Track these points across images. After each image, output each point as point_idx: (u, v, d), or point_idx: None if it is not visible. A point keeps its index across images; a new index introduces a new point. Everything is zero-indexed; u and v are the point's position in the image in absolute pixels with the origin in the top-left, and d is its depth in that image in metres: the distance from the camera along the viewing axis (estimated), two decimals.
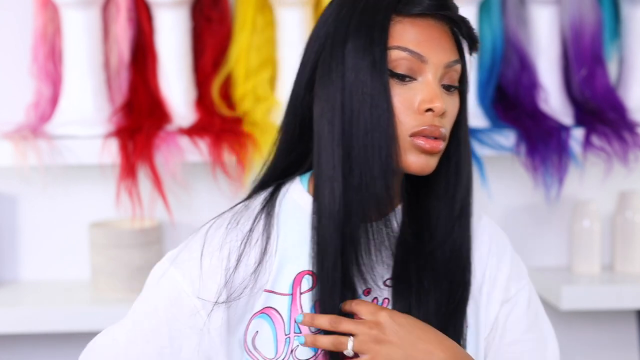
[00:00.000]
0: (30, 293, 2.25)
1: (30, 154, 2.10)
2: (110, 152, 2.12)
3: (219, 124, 2.17)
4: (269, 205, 1.35)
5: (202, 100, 2.24)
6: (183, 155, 2.13)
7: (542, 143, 2.19)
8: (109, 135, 2.14)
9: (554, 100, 2.28)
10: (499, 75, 2.28)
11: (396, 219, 1.33)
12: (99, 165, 2.17)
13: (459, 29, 1.32)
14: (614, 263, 2.36)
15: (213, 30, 2.25)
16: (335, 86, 1.27)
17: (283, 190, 1.37)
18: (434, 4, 1.28)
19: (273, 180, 1.39)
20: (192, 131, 2.16)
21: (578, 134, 2.23)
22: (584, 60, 2.28)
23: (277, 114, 2.22)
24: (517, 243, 2.33)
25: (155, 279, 1.37)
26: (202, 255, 1.33)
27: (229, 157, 2.14)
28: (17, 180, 2.29)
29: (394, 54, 1.26)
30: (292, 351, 1.31)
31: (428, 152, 1.27)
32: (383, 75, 1.24)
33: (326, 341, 1.27)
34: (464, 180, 1.33)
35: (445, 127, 1.28)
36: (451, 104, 1.29)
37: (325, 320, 1.27)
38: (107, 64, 2.22)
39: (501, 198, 2.35)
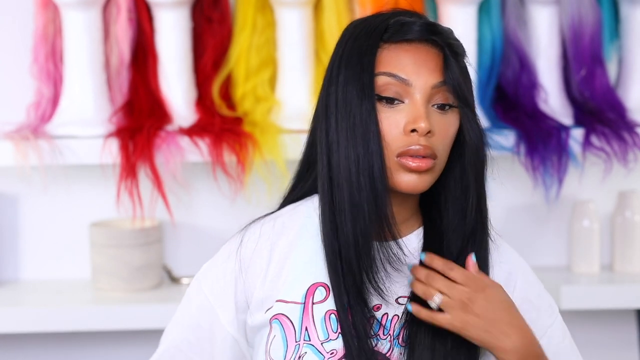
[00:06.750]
0: (30, 293, 2.26)
1: (31, 154, 2.11)
2: (111, 152, 2.12)
3: (219, 124, 2.17)
4: (288, 218, 1.42)
5: (203, 101, 2.24)
6: (183, 155, 2.14)
7: (541, 143, 2.19)
8: (110, 135, 2.14)
9: (553, 101, 2.28)
10: (499, 76, 2.28)
11: (418, 239, 1.39)
12: (100, 165, 2.17)
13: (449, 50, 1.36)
14: (613, 263, 2.36)
15: (213, 31, 2.26)
16: (329, 113, 1.34)
17: (309, 205, 1.42)
18: (419, 31, 1.33)
19: (300, 197, 1.45)
20: (193, 131, 2.16)
21: (577, 134, 2.23)
22: (584, 61, 2.29)
23: (277, 114, 2.22)
24: (517, 243, 2.32)
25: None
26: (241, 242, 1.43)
27: (229, 157, 2.14)
28: (17, 180, 2.29)
29: (381, 80, 1.32)
30: (300, 357, 1.35)
31: (415, 171, 1.31)
32: (371, 99, 1.31)
33: (419, 288, 1.33)
34: (471, 199, 1.37)
35: (435, 145, 1.32)
36: (443, 122, 1.33)
37: (439, 263, 1.33)
38: (107, 64, 2.22)
39: (501, 198, 2.35)
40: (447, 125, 1.33)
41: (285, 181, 2.15)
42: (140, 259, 2.21)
